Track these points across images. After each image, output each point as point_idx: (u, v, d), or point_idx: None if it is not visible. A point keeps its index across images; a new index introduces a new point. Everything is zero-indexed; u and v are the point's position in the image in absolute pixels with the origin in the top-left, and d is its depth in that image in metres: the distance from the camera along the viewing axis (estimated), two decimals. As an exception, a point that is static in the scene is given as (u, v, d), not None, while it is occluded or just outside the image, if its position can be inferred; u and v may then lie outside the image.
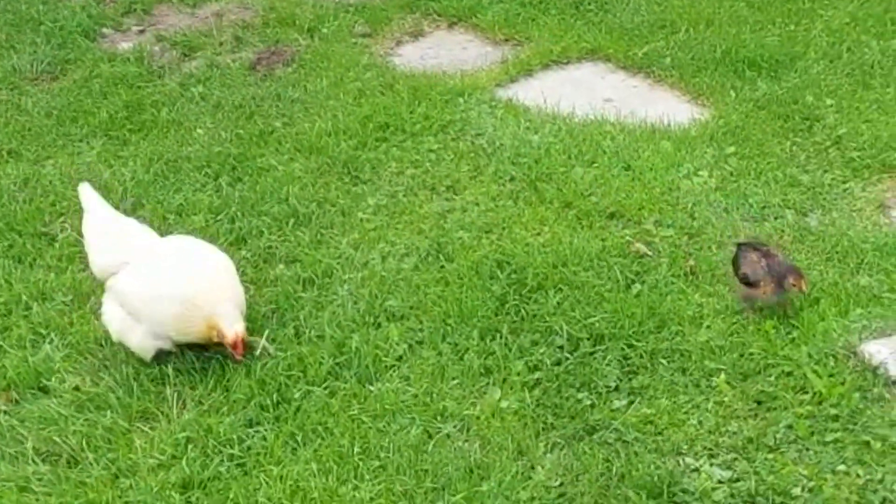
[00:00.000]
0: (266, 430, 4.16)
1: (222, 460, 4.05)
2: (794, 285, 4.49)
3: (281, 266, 5.11)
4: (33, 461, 4.08)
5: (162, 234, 5.21)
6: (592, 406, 4.26)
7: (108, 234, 4.59)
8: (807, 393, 4.17)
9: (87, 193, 4.71)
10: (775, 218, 5.29)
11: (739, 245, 4.76)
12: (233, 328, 4.33)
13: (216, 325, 4.33)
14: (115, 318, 4.48)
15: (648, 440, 4.07)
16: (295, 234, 5.33)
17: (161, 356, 4.47)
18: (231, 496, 3.88)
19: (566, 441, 4.11)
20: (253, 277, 5.02)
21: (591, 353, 4.48)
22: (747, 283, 4.55)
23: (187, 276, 4.43)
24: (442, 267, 5.04)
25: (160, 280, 4.41)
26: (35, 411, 4.29)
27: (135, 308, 4.40)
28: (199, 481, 3.96)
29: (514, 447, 4.08)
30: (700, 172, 5.65)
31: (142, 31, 7.52)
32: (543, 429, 4.18)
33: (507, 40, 7.26)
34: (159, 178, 5.77)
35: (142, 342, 4.42)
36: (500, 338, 4.57)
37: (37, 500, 3.91)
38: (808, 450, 3.95)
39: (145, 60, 7.04)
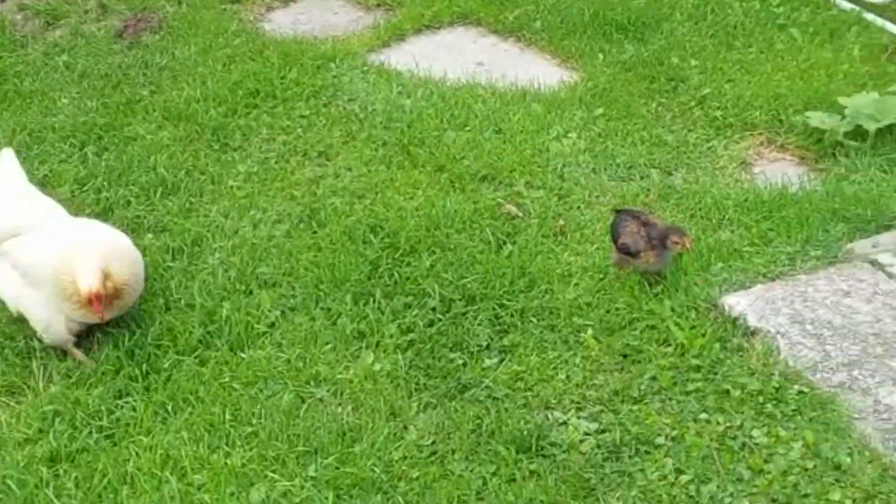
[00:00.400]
0: (135, 400, 4.12)
1: (91, 432, 4.01)
2: (676, 243, 4.54)
3: (149, 236, 5.05)
4: None
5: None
6: (464, 365, 4.31)
7: (14, 199, 4.52)
8: (670, 345, 4.28)
9: (6, 159, 4.68)
10: (641, 177, 5.40)
11: (618, 212, 4.80)
12: (87, 281, 4.14)
13: (74, 279, 4.16)
14: (10, 285, 4.39)
15: (518, 396, 4.14)
16: (163, 203, 5.27)
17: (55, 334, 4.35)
18: (100, 468, 3.84)
19: (438, 400, 4.16)
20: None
21: (464, 314, 4.53)
22: (628, 252, 4.61)
23: (75, 239, 4.32)
24: (314, 233, 5.03)
25: (52, 240, 4.33)
26: None
27: (25, 267, 4.33)
28: (67, 454, 3.91)
29: (387, 409, 4.11)
30: (569, 134, 5.73)
31: (3, 1, 7.30)
32: (416, 389, 4.22)
33: (378, 5, 7.25)
34: (23, 149, 5.62)
35: (39, 312, 4.31)
36: (374, 301, 4.59)
37: None
38: (671, 400, 4.06)
39: (7, 30, 6.87)
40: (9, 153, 4.71)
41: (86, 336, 4.41)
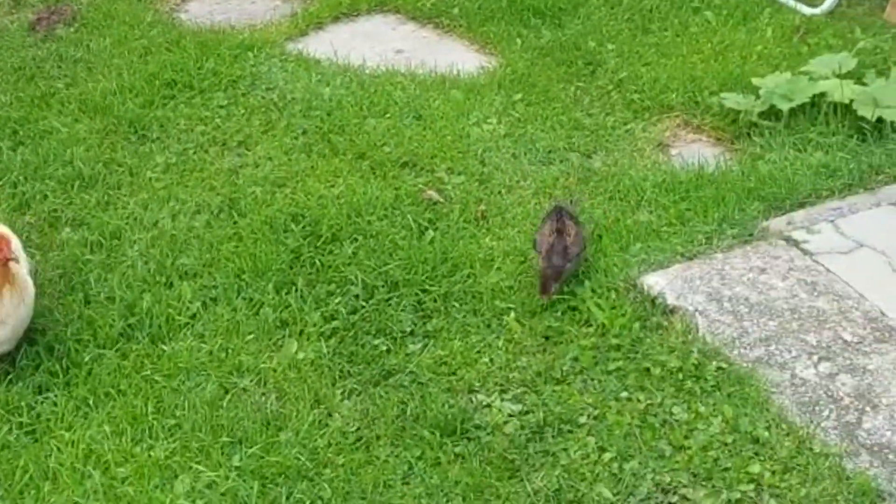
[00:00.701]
0: (56, 395, 4.07)
1: (11, 429, 3.95)
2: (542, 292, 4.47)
3: (67, 230, 4.98)
4: None
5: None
6: (388, 351, 4.32)
7: None
8: (591, 326, 4.33)
9: None
10: (561, 161, 5.45)
11: (555, 207, 4.68)
12: None
13: None
14: None
15: (442, 380, 4.16)
16: (81, 196, 5.20)
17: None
18: (21, 464, 3.78)
19: (363, 387, 4.16)
20: (38, 243, 4.89)
21: (387, 300, 4.54)
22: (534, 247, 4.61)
23: None
24: (235, 223, 5.00)
25: None
26: None
27: None
28: (-14, 452, 3.86)
29: (311, 397, 4.11)
30: (489, 120, 5.76)
31: (-90, -7, 7.16)
32: (340, 376, 4.22)
33: (296, -6, 7.22)
34: (-67, 145, 5.54)
35: None
36: (296, 290, 4.58)
37: None
38: (592, 380, 4.10)
39: (-85, 23, 6.72)
40: None
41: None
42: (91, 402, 4.06)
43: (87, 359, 4.23)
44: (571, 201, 4.86)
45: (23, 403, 4.03)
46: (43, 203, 5.14)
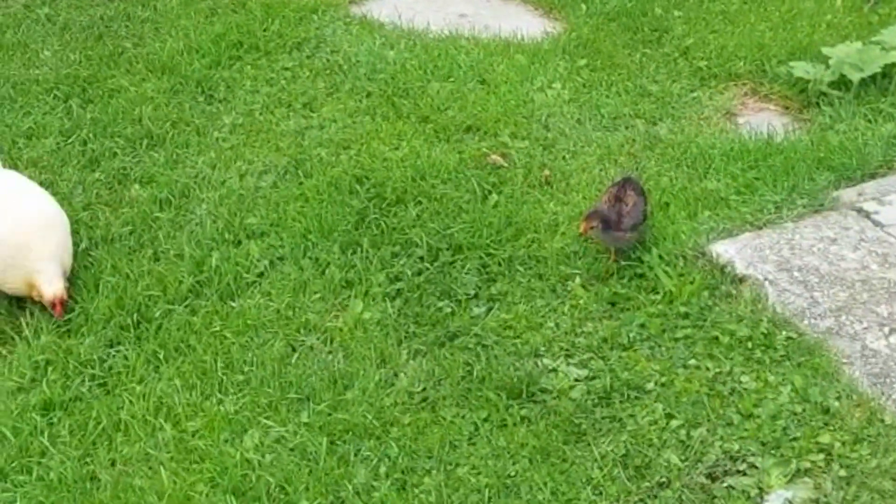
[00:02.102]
0: (127, 349, 4.13)
1: (83, 381, 4.01)
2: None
3: (136, 187, 5.03)
4: None
5: (13, 160, 5.11)
6: (453, 313, 4.33)
7: None
8: (658, 293, 4.31)
9: None
10: (626, 128, 5.42)
11: (624, 178, 4.60)
12: (51, 288, 4.19)
13: (35, 284, 4.19)
14: None
15: (507, 344, 4.17)
16: (149, 154, 5.26)
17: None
18: (94, 416, 3.85)
19: (428, 348, 4.18)
20: (108, 199, 4.95)
21: (451, 263, 4.55)
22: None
23: (12, 225, 4.26)
24: (301, 183, 5.03)
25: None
26: None
27: None
28: (60, 402, 3.92)
29: (377, 356, 4.13)
30: (553, 85, 5.73)
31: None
32: (405, 337, 4.24)
33: (360, -43, 7.20)
34: (6, 102, 5.61)
35: None
36: (361, 251, 4.60)
37: None
38: (660, 347, 4.09)
39: (-14, -19, 6.79)
40: None
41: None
42: (161, 357, 4.11)
43: (157, 314, 4.28)
44: (637, 169, 4.80)
45: (95, 356, 4.09)
46: (112, 160, 5.20)
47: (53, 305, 4.20)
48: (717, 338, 4.08)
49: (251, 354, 4.12)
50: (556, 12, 6.50)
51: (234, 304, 4.37)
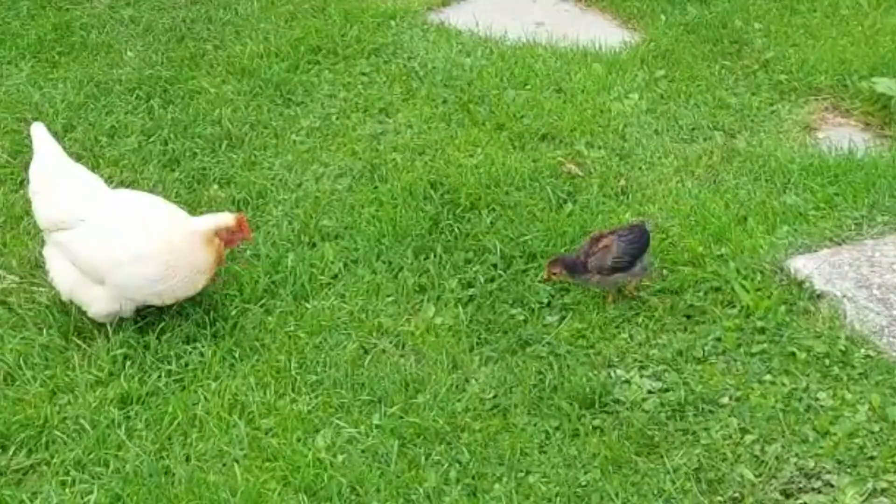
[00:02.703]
0: (203, 346, 4.17)
1: (160, 376, 4.06)
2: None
3: (215, 187, 5.09)
4: (-31, 379, 4.07)
5: (96, 158, 5.20)
6: (525, 321, 4.33)
7: (59, 184, 4.26)
8: (734, 307, 4.28)
9: (39, 135, 4.38)
10: (704, 139, 5.39)
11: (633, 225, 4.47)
12: (222, 217, 4.25)
13: (214, 233, 4.18)
14: (66, 274, 4.22)
15: (580, 353, 4.16)
16: (228, 155, 5.32)
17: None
18: (170, 410, 3.90)
19: (500, 355, 4.18)
20: (187, 199, 5.00)
21: (524, 271, 4.55)
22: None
23: (155, 234, 4.20)
24: (376, 188, 5.06)
25: (131, 242, 4.16)
26: (-31, 330, 4.26)
27: (98, 271, 4.14)
28: (137, 396, 3.97)
29: (449, 361, 4.14)
30: (631, 95, 5.72)
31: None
32: (477, 343, 4.24)
33: (439, -36, 7.23)
34: (90, 101, 5.70)
35: (101, 305, 4.18)
36: (435, 256, 4.62)
37: (-26, 417, 3.90)
38: (735, 361, 4.06)
39: (72, -18, 6.90)
40: (41, 128, 4.41)
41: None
42: (236, 355, 4.15)
43: (233, 312, 4.33)
44: (647, 223, 4.51)
45: (172, 352, 4.14)
46: (192, 160, 5.27)
47: (241, 227, 4.25)
48: (793, 354, 4.04)
49: (324, 355, 4.15)
50: (634, 22, 6.48)
51: (308, 305, 4.40)
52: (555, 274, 4.34)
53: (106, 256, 4.15)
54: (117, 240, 4.16)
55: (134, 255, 4.14)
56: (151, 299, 4.21)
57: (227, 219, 4.28)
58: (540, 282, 4.40)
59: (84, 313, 4.26)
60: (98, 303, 4.19)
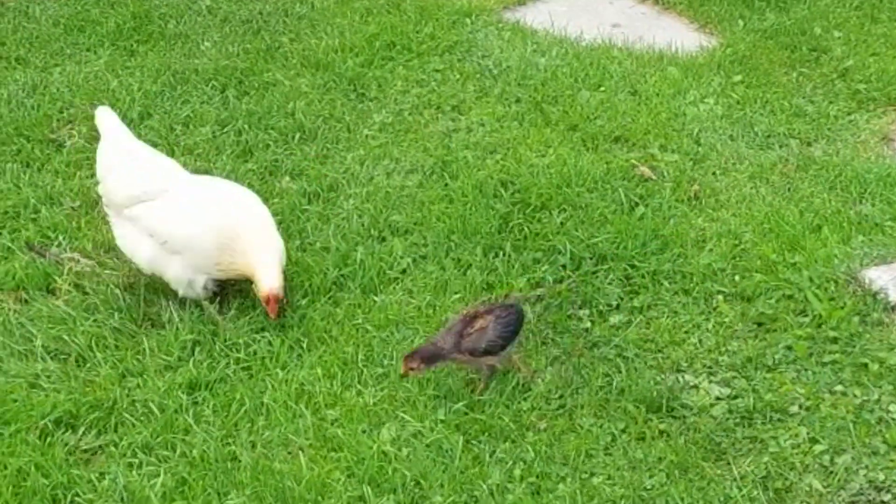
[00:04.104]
0: (271, 336, 4.20)
1: (228, 363, 4.10)
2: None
3: (287, 179, 5.13)
4: (42, 359, 4.12)
5: (171, 146, 5.25)
6: (593, 323, 4.31)
7: (136, 160, 4.37)
8: (807, 316, 4.22)
9: (106, 117, 4.48)
10: (780, 146, 5.33)
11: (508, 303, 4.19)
12: (269, 284, 4.16)
13: (254, 273, 4.21)
14: (144, 249, 4.28)
15: (648, 357, 4.13)
16: (301, 148, 5.35)
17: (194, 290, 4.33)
18: (237, 397, 3.93)
19: (566, 356, 4.16)
20: (259, 189, 5.01)
21: (594, 272, 4.52)
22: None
23: (232, 210, 4.30)
24: (446, 185, 5.06)
25: (204, 211, 4.26)
26: (44, 311, 4.32)
27: (174, 240, 4.22)
28: (205, 383, 4.01)
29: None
30: (706, 100, 5.66)
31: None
32: (544, 343, 4.23)
33: (515, -36, 7.22)
34: (166, 90, 5.77)
35: (179, 274, 4.26)
36: (503, 255, 4.61)
37: (46, 395, 3.95)
38: (806, 370, 4.01)
39: (152, -28, 6.99)
40: (107, 111, 4.51)
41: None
42: (304, 345, 4.17)
43: (302, 303, 4.35)
44: (530, 298, 4.32)
45: (240, 341, 4.18)
46: (265, 152, 5.31)
47: (267, 302, 4.18)
48: (866, 365, 3.98)
49: (391, 349, 4.15)
50: (711, 27, 6.42)
51: (376, 299, 4.41)
52: (412, 369, 3.94)
53: (181, 228, 4.24)
54: (193, 212, 4.26)
55: (204, 228, 4.24)
56: (216, 273, 4.29)
57: (266, 288, 4.20)
58: (401, 376, 3.99)
59: (165, 287, 4.37)
60: (175, 272, 4.27)
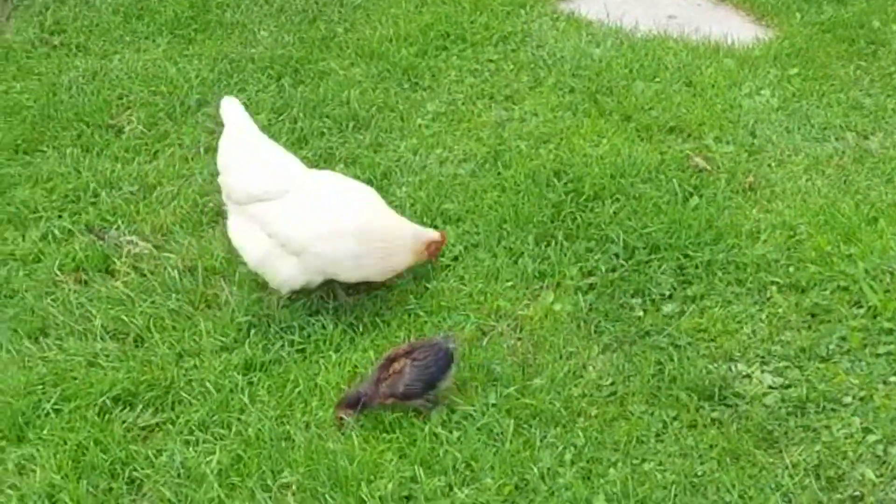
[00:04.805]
0: (325, 319, 4.24)
1: (283, 345, 4.14)
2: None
3: (340, 166, 5.17)
4: (101, 338, 4.20)
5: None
6: (645, 312, 4.30)
7: (258, 157, 4.29)
8: (861, 307, 4.20)
9: (231, 109, 4.38)
10: (836, 139, 5.28)
11: (430, 343, 3.98)
12: (426, 234, 4.35)
13: (424, 242, 4.31)
14: (257, 245, 4.20)
15: (701, 346, 4.12)
16: (355, 136, 5.39)
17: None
18: (291, 378, 3.98)
19: (618, 344, 4.17)
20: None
21: (647, 262, 4.52)
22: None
23: (361, 211, 4.26)
24: (499, 174, 5.07)
25: (334, 214, 4.20)
26: (103, 292, 4.40)
27: (301, 242, 4.14)
28: (260, 364, 4.07)
29: (566, 347, 4.14)
30: (762, 91, 5.63)
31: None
32: (596, 331, 4.23)
33: (569, -44, 7.21)
34: (223, 77, 5.84)
35: (292, 275, 4.20)
36: (556, 244, 4.61)
37: (105, 374, 4.03)
38: (860, 361, 3.98)
39: (210, -38, 7.07)
40: (233, 102, 4.43)
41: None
42: (357, 329, 4.21)
43: (355, 288, 4.39)
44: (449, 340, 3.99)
45: (295, 323, 4.22)
46: (320, 139, 5.36)
47: (435, 246, 4.37)
48: (921, 357, 3.95)
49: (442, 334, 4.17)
50: (768, 19, 6.38)
51: (428, 285, 4.44)
52: (340, 418, 3.83)
53: (308, 229, 4.16)
54: (323, 214, 4.19)
55: (337, 231, 4.17)
56: (343, 275, 4.25)
57: (436, 235, 4.39)
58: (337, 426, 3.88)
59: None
60: (288, 273, 4.20)
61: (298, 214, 4.16)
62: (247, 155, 4.28)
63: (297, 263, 4.18)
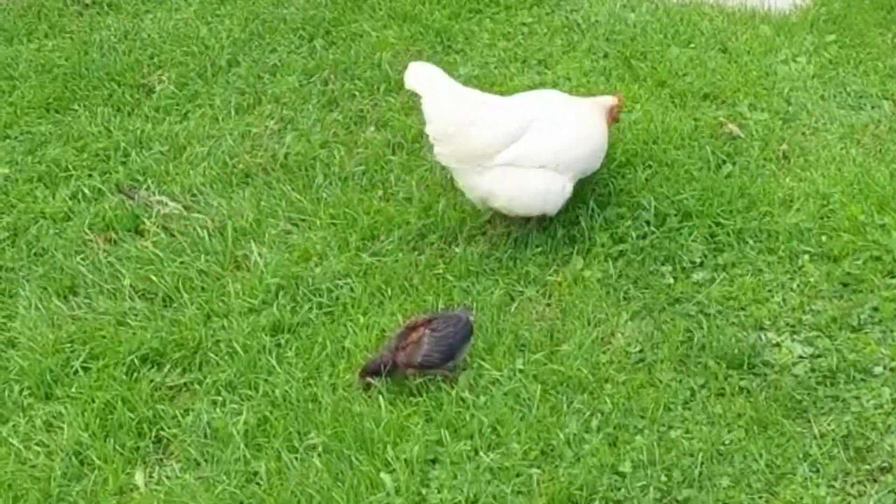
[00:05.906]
0: (353, 282, 4.25)
1: (311, 308, 4.16)
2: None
3: (371, 129, 5.15)
4: (130, 298, 4.23)
5: (258, 94, 5.31)
6: (675, 280, 4.28)
7: (487, 106, 4.36)
8: (894, 277, 4.15)
9: (431, 72, 4.32)
10: (872, 108, 5.20)
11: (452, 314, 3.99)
12: (610, 98, 4.67)
13: (608, 109, 4.60)
14: (533, 183, 4.30)
15: (731, 314, 4.09)
16: (386, 99, 5.37)
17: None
18: (319, 340, 3.99)
19: (647, 311, 4.14)
20: (344, 139, 5.09)
21: (678, 229, 4.48)
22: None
23: (581, 104, 4.60)
24: (531, 139, 5.03)
25: (577, 125, 4.47)
26: (132, 251, 4.43)
27: (572, 155, 4.39)
28: (288, 326, 4.08)
29: (595, 314, 4.13)
30: (798, 59, 5.55)
31: None
32: (625, 298, 4.21)
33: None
34: (255, 38, 5.83)
35: (567, 190, 4.40)
36: (586, 210, 4.58)
37: (133, 333, 4.06)
38: (892, 331, 3.94)
39: (243, -79, 7.03)
40: (427, 66, 4.38)
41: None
42: (386, 293, 4.21)
43: (383, 251, 4.38)
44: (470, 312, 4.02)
45: (323, 286, 4.23)
46: (351, 102, 5.34)
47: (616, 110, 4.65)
48: (954, 328, 3.91)
49: (471, 299, 4.18)
50: (805, -15, 6.29)
51: (457, 250, 4.43)
52: (369, 384, 3.83)
53: (570, 143, 4.42)
54: (566, 126, 4.43)
55: (584, 134, 4.47)
56: (591, 170, 4.56)
57: (613, 100, 4.68)
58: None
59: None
60: (566, 190, 4.41)
61: (557, 134, 4.37)
62: (477, 107, 4.33)
63: (567, 179, 4.38)
